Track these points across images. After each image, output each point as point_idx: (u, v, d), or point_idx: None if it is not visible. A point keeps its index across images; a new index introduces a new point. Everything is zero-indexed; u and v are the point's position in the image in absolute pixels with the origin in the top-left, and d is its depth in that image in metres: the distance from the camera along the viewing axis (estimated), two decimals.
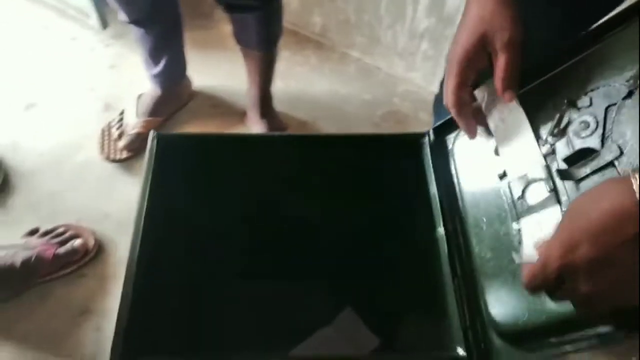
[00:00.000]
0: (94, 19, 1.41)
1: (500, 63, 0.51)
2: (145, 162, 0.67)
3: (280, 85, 1.31)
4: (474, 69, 0.53)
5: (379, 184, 0.69)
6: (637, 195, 0.34)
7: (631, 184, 0.34)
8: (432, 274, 0.60)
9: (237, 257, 0.81)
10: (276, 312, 0.86)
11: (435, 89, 1.26)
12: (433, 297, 0.59)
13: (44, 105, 1.38)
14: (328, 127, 1.35)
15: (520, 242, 0.51)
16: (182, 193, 0.69)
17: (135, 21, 1.07)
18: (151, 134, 0.68)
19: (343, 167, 0.71)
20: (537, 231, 0.49)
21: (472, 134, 0.58)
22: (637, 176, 0.35)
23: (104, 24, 1.36)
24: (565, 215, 0.41)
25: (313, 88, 1.45)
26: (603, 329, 0.43)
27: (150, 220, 0.62)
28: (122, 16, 1.05)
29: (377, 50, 1.44)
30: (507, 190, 0.54)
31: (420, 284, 0.61)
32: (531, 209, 0.51)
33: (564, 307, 0.45)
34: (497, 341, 0.52)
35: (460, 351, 0.53)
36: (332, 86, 1.46)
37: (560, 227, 0.40)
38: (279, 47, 1.15)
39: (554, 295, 0.43)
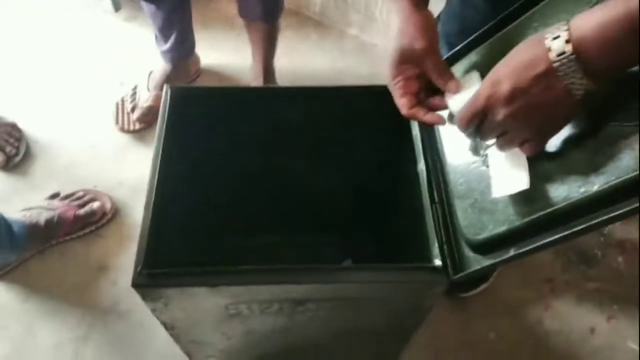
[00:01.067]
0: (107, 2, 1.50)
1: (429, 66, 0.59)
2: (160, 113, 0.75)
3: (282, 62, 1.39)
4: (411, 76, 0.60)
5: (370, 130, 0.77)
6: (547, 44, 0.44)
7: (544, 41, 0.44)
8: (415, 201, 0.68)
9: (243, 207, 0.90)
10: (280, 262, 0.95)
11: None
12: (415, 221, 0.67)
13: (62, 81, 1.47)
14: None
15: (487, 165, 0.59)
16: (194, 141, 0.77)
17: None
18: (165, 87, 0.75)
19: (337, 116, 0.79)
20: (504, 154, 0.58)
21: (441, 122, 0.61)
22: (545, 38, 0.44)
23: (117, 6, 1.45)
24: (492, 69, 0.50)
25: (313, 64, 1.53)
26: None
27: (165, 164, 0.68)
28: None
29: (373, 28, 1.52)
30: None
31: (404, 210, 0.69)
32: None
33: (522, 218, 0.54)
34: (467, 252, 0.60)
35: (437, 262, 0.61)
36: (331, 62, 1.54)
37: (488, 75, 0.49)
38: (281, 22, 1.23)
39: (479, 130, 0.52)
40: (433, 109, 0.61)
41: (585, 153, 0.50)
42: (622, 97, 0.47)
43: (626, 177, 0.46)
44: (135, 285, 0.59)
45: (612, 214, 0.46)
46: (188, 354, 0.85)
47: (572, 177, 0.51)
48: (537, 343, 1.09)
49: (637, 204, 0.44)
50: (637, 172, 0.45)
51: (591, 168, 0.49)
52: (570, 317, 1.12)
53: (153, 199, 0.65)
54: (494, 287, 1.13)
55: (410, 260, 0.67)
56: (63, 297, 1.12)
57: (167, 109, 0.74)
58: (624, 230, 1.23)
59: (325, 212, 0.86)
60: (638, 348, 1.08)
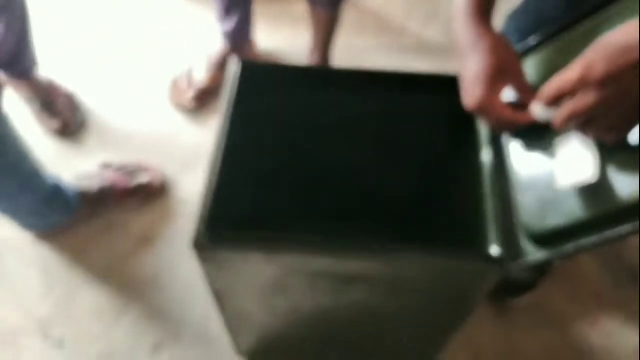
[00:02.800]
0: None
1: (516, 80, 0.61)
2: (227, 86, 0.75)
3: (337, 54, 1.40)
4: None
5: (434, 119, 0.76)
6: None
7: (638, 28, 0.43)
8: (477, 190, 0.66)
9: (299, 192, 0.89)
10: None
11: None
12: (478, 209, 0.65)
13: (122, 55, 1.51)
14: None
15: (552, 157, 0.58)
16: (259, 116, 0.77)
17: None
18: (234, 60, 0.76)
19: (401, 102, 0.78)
20: (570, 143, 0.56)
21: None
22: None
23: None
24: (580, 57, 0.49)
25: (370, 58, 1.52)
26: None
27: (230, 135, 0.69)
28: None
29: (437, 23, 1.50)
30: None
31: (466, 201, 0.67)
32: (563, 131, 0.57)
33: (582, 212, 0.53)
34: (524, 244, 0.59)
35: (495, 249, 0.60)
36: (388, 58, 1.53)
37: (581, 56, 0.48)
38: (343, 9, 1.24)
39: (561, 110, 0.51)
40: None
41: None
42: None
43: None
44: (196, 244, 0.59)
45: None
46: (228, 327, 0.85)
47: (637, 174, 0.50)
48: (580, 357, 1.05)
49: None
50: None
51: None
52: (617, 336, 1.07)
53: (219, 164, 0.65)
54: (540, 298, 1.10)
55: (469, 243, 0.66)
56: (107, 266, 1.14)
57: (237, 81, 0.74)
58: None
59: (380, 200, 0.85)
60: None
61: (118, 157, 1.27)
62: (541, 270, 1.09)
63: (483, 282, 0.65)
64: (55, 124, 1.30)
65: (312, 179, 0.86)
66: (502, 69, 0.60)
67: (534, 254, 0.58)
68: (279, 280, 0.67)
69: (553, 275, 1.12)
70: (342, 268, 0.64)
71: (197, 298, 1.09)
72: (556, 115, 0.52)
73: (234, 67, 0.76)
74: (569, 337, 1.07)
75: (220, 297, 0.73)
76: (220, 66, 1.35)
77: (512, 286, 1.07)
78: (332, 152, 0.83)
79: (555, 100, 0.52)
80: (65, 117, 1.31)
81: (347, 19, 1.34)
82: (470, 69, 0.62)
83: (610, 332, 1.08)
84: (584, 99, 0.48)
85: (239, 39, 1.34)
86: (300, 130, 0.82)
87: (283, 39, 1.54)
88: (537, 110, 0.56)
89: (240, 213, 0.64)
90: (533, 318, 1.08)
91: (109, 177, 1.18)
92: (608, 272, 1.15)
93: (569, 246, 0.54)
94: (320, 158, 0.84)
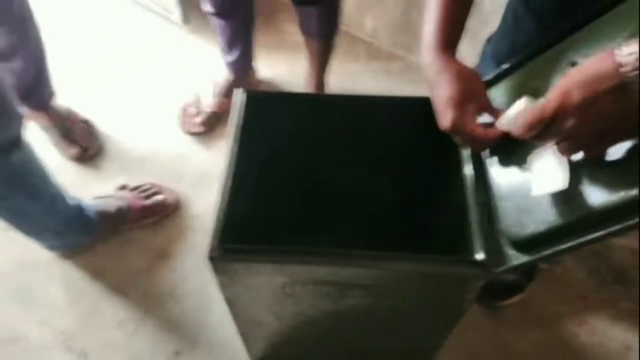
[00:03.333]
0: (177, 15, 1.64)
1: (482, 102, 0.68)
2: (234, 114, 0.83)
3: (332, 79, 1.49)
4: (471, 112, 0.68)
5: (419, 137, 0.84)
6: (617, 60, 0.48)
7: (614, 56, 0.48)
8: (460, 202, 0.75)
9: (301, 207, 0.98)
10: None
11: None
12: (460, 220, 0.73)
13: (134, 84, 1.62)
14: None
15: (529, 168, 0.66)
16: (263, 139, 0.86)
17: (218, 13, 1.28)
18: (239, 90, 0.85)
19: (392, 123, 0.87)
20: (544, 155, 0.64)
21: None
22: (617, 53, 0.48)
23: (186, 20, 1.59)
24: (562, 79, 0.54)
25: (361, 83, 1.63)
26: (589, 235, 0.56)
27: (238, 157, 0.76)
28: (208, 7, 1.26)
29: (419, 49, 1.59)
30: None
31: (451, 212, 0.75)
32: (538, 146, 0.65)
33: (558, 219, 0.60)
34: (507, 250, 0.66)
35: (480, 255, 0.68)
36: (377, 81, 1.63)
37: (558, 85, 0.53)
38: (336, 39, 1.34)
39: (544, 135, 0.56)
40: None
41: (628, 158, 0.55)
42: None
43: None
44: (211, 258, 0.67)
45: None
46: (242, 333, 0.94)
47: (612, 181, 0.56)
48: (569, 356, 1.12)
49: None
50: None
51: (632, 174, 0.54)
52: (606, 334, 1.15)
53: (229, 185, 0.74)
54: (528, 300, 1.17)
55: (455, 250, 0.74)
56: (127, 280, 1.23)
57: (243, 108, 0.83)
58: None
59: (374, 213, 0.93)
60: None
61: (134, 179, 1.36)
62: (528, 274, 1.17)
63: (470, 286, 0.72)
64: (74, 150, 1.39)
65: (314, 196, 0.96)
66: (469, 93, 0.67)
67: (516, 259, 0.65)
68: (286, 288, 0.75)
69: (541, 278, 1.19)
70: (342, 276, 0.72)
71: (212, 307, 1.17)
72: (537, 137, 0.58)
73: (239, 96, 0.84)
74: (557, 336, 1.14)
75: (232, 305, 0.81)
76: (226, 93, 1.45)
77: (502, 290, 1.14)
78: (332, 172, 0.92)
79: (534, 129, 0.57)
80: (84, 143, 1.40)
81: (340, 45, 1.44)
82: (440, 95, 0.69)
83: (598, 330, 1.15)
84: (563, 125, 0.53)
85: (241, 68, 1.44)
86: (302, 152, 0.91)
87: (282, 67, 1.65)
88: (505, 121, 0.64)
89: (250, 228, 0.72)
90: (523, 318, 1.16)
91: (126, 198, 1.27)
92: (594, 274, 1.23)
93: (548, 251, 0.61)
94: (321, 177, 0.93)
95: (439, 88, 0.69)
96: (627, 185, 0.54)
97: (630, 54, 0.47)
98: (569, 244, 0.59)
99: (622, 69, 0.47)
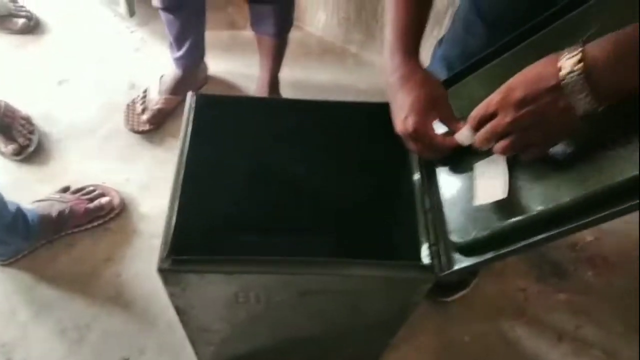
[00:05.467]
0: (122, 8, 1.58)
1: (444, 111, 0.69)
2: (184, 117, 0.81)
3: (286, 73, 1.48)
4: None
5: (370, 141, 0.86)
6: (558, 64, 0.51)
7: (558, 59, 0.51)
8: (409, 208, 0.77)
9: (251, 207, 0.98)
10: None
11: None
12: (409, 225, 0.76)
13: (76, 81, 1.55)
14: None
15: (473, 177, 0.69)
16: (212, 144, 0.84)
17: (166, 8, 1.24)
18: (189, 94, 0.83)
19: (342, 128, 0.88)
20: (486, 166, 0.67)
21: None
22: (560, 57, 0.51)
23: (132, 12, 1.53)
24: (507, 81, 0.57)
25: (315, 78, 1.63)
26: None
27: (188, 164, 0.75)
28: (156, 2, 1.23)
29: (372, 46, 1.62)
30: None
31: (400, 216, 0.77)
32: (484, 155, 0.68)
33: (498, 224, 0.63)
34: (453, 254, 0.69)
35: (426, 260, 0.70)
36: (332, 77, 1.64)
37: (505, 83, 0.56)
38: (289, 37, 1.33)
39: (487, 130, 0.59)
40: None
41: (560, 168, 0.59)
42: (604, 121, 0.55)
43: (589, 192, 0.55)
44: (160, 270, 0.66)
45: (577, 224, 0.55)
46: (191, 340, 0.93)
47: (545, 190, 0.59)
48: (508, 347, 1.18)
49: (596, 217, 0.53)
50: (599, 189, 0.54)
51: (562, 182, 0.58)
52: (541, 325, 1.21)
53: (179, 192, 0.72)
54: (473, 294, 1.23)
55: (402, 255, 0.76)
56: (69, 287, 1.18)
57: (191, 113, 0.81)
58: (594, 246, 1.34)
59: (327, 216, 0.94)
60: (603, 356, 1.18)
61: (77, 180, 1.31)
62: (473, 271, 1.22)
63: (419, 288, 0.75)
64: (12, 147, 1.32)
65: (267, 200, 0.95)
66: (432, 101, 0.69)
67: (460, 262, 0.67)
68: (239, 297, 0.75)
69: (485, 272, 1.25)
70: (296, 283, 0.72)
71: (159, 312, 1.15)
72: (479, 133, 0.61)
73: (189, 100, 0.83)
74: (499, 327, 1.20)
75: (183, 313, 0.80)
76: (174, 89, 1.41)
77: (447, 285, 1.19)
78: (283, 176, 0.92)
79: (480, 124, 0.60)
80: (23, 140, 1.34)
81: (293, 41, 1.43)
82: (403, 100, 0.70)
83: (535, 321, 1.22)
84: (501, 119, 0.56)
85: (191, 64, 1.41)
86: (253, 156, 0.91)
87: (235, 62, 1.62)
88: (463, 136, 0.66)
89: (201, 236, 0.71)
90: (467, 312, 1.21)
91: (68, 201, 1.22)
92: (533, 268, 1.29)
93: (489, 255, 0.63)
94: (274, 182, 0.93)
95: (403, 93, 0.70)
96: (561, 194, 0.57)
97: (569, 58, 0.51)
98: (508, 249, 0.62)
99: (561, 72, 0.51)
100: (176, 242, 0.68)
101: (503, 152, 0.60)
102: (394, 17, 0.71)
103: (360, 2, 1.55)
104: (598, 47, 0.50)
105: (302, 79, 1.60)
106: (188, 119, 0.80)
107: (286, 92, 1.50)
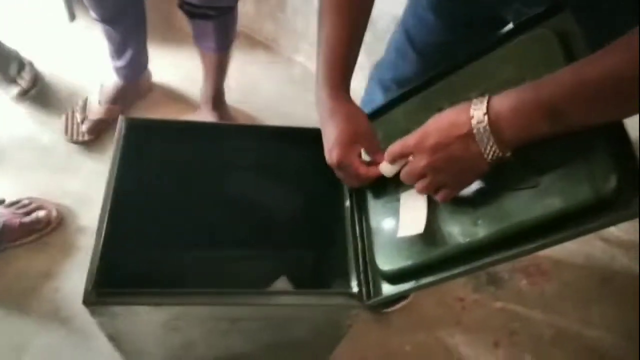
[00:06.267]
0: (62, 12, 1.52)
1: (368, 144, 0.71)
2: (114, 141, 0.80)
3: (231, 81, 1.47)
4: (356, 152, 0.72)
5: (303, 168, 0.86)
6: (471, 112, 0.54)
7: (469, 109, 0.55)
8: (339, 235, 0.78)
9: (188, 225, 0.98)
10: (221, 278, 1.03)
11: None
12: (339, 253, 0.77)
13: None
14: (273, 122, 1.53)
15: (398, 210, 0.71)
16: (146, 166, 0.84)
17: (103, 20, 1.21)
18: (120, 117, 0.82)
19: (279, 153, 0.88)
20: (409, 200, 0.69)
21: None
22: (471, 106, 0.55)
23: (72, 17, 1.47)
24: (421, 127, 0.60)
25: (262, 86, 1.62)
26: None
27: (117, 192, 0.74)
28: (93, 15, 1.19)
29: None
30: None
31: (330, 243, 0.79)
32: (408, 187, 0.70)
33: (422, 256, 0.65)
34: (381, 281, 0.71)
35: (355, 287, 0.72)
36: (279, 86, 1.64)
37: (421, 126, 0.60)
38: (232, 49, 1.32)
39: (404, 171, 0.63)
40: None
41: (475, 207, 0.62)
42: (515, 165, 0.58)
43: (500, 230, 0.58)
44: (85, 302, 0.66)
45: (489, 260, 0.58)
46: None
47: (462, 226, 0.63)
48: (447, 354, 1.22)
49: (507, 254, 0.57)
50: (510, 226, 0.57)
51: (477, 220, 0.61)
52: (478, 332, 1.26)
53: (105, 222, 0.71)
54: (413, 304, 1.26)
55: (337, 281, 0.77)
56: (5, 304, 1.15)
57: (121, 138, 0.80)
58: (529, 256, 1.40)
59: (266, 232, 0.95)
60: None
61: (11, 193, 1.26)
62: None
63: (347, 315, 0.77)
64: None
65: (200, 225, 0.95)
66: (356, 134, 0.71)
67: (386, 291, 0.70)
68: (169, 324, 0.75)
69: None
70: (226, 313, 0.73)
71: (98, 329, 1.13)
72: (401, 175, 0.64)
73: (119, 124, 0.81)
74: (437, 336, 1.24)
75: (114, 339, 0.79)
76: (115, 99, 1.38)
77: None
78: (217, 201, 0.92)
79: (395, 160, 0.65)
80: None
81: (240, 47, 1.42)
82: (330, 133, 0.72)
83: (472, 330, 1.26)
84: (417, 162, 0.60)
85: (132, 74, 1.37)
86: (186, 181, 0.90)
87: (181, 68, 1.59)
88: (385, 168, 0.69)
89: (128, 269, 0.71)
90: (407, 322, 1.24)
91: (2, 215, 1.18)
92: (471, 278, 1.34)
93: (412, 284, 0.66)
94: (207, 206, 0.93)
95: (329, 127, 0.72)
96: (477, 230, 0.61)
97: (476, 110, 0.54)
98: (428, 280, 0.65)
99: (472, 121, 0.54)
100: (101, 274, 0.68)
101: (420, 191, 0.63)
102: (324, 52, 0.73)
103: (307, 15, 1.55)
104: (499, 101, 0.53)
105: (248, 87, 1.59)
106: (118, 143, 0.79)
107: (232, 102, 1.49)
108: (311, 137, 0.84)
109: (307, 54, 1.67)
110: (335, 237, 0.81)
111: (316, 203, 0.86)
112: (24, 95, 1.39)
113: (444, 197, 0.62)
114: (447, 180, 0.60)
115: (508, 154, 0.55)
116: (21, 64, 1.39)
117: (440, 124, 0.58)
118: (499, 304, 1.32)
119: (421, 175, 0.61)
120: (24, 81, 1.39)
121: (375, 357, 1.20)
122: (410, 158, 0.63)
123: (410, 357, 1.21)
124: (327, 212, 0.84)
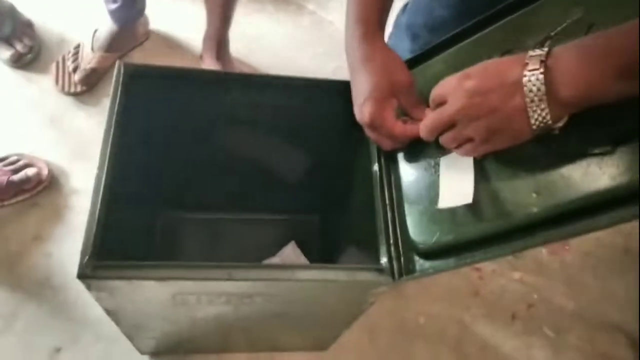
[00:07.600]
0: None
1: (407, 99, 0.63)
2: (111, 91, 0.70)
3: (236, 31, 1.35)
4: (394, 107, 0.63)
5: (323, 125, 0.77)
6: (526, 59, 0.46)
7: (524, 57, 0.47)
8: (367, 203, 0.70)
9: (192, 188, 0.89)
10: (227, 243, 0.95)
11: None
12: (366, 222, 0.69)
13: None
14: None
15: (438, 174, 0.62)
16: (145, 119, 0.74)
17: None
18: (118, 63, 0.71)
19: (290, 108, 0.79)
20: (451, 165, 0.60)
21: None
22: (528, 52, 0.47)
23: None
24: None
25: (268, 37, 1.50)
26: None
27: (115, 148, 0.65)
28: None
29: (331, 5, 1.50)
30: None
31: (357, 211, 0.70)
32: (449, 150, 0.61)
33: (464, 230, 0.57)
34: (413, 256, 0.64)
35: (384, 263, 0.64)
36: (287, 36, 1.51)
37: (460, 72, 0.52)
38: None
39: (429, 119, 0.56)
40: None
41: (531, 176, 0.53)
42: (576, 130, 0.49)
43: (562, 202, 0.50)
44: (81, 276, 0.57)
45: (546, 237, 0.50)
46: (127, 336, 0.85)
47: (516, 198, 0.54)
48: (462, 327, 1.16)
49: (568, 229, 0.49)
50: (572, 200, 0.49)
51: (534, 191, 0.52)
52: (495, 304, 1.20)
53: (103, 182, 0.62)
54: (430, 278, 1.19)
55: (357, 253, 0.69)
56: None
57: (119, 87, 0.70)
58: None
59: (279, 203, 0.86)
60: (552, 334, 1.19)
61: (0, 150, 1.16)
62: None
63: (375, 290, 0.69)
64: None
65: (207, 183, 0.86)
66: (394, 86, 0.62)
67: (420, 267, 0.62)
68: (176, 298, 0.67)
69: None
70: (240, 288, 0.65)
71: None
72: (422, 124, 0.56)
73: (116, 72, 0.71)
74: (454, 307, 1.18)
75: (113, 314, 0.72)
76: (109, 47, 1.26)
77: None
78: (226, 157, 0.83)
79: (433, 104, 0.55)
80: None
81: None
82: (362, 85, 0.63)
83: (489, 301, 1.20)
84: (449, 106, 0.52)
85: (128, 18, 1.25)
86: (191, 134, 0.81)
87: (181, 14, 1.46)
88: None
89: (127, 239, 0.62)
90: (422, 293, 1.18)
91: None
92: None
93: (451, 262, 0.58)
94: (216, 163, 0.83)
95: (362, 76, 0.63)
96: (531, 202, 0.52)
97: (535, 55, 0.46)
98: (473, 258, 0.57)
99: (526, 69, 0.46)
100: (99, 244, 0.59)
101: (445, 143, 0.55)
102: None
103: None
104: (561, 50, 0.45)
105: (254, 38, 1.47)
106: (116, 93, 0.69)
107: (236, 52, 1.37)
108: (333, 91, 0.75)
109: (317, 2, 1.54)
110: (362, 208, 0.72)
111: (342, 169, 0.77)
112: (17, 60, 1.26)
113: (464, 152, 0.54)
114: (475, 134, 0.51)
115: (557, 124, 0.47)
116: (17, 23, 1.26)
117: (486, 68, 0.50)
118: (517, 275, 1.25)
119: (450, 124, 0.53)
120: (20, 45, 1.25)
121: (387, 327, 1.14)
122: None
123: (424, 329, 1.15)
124: (354, 178, 0.75)
